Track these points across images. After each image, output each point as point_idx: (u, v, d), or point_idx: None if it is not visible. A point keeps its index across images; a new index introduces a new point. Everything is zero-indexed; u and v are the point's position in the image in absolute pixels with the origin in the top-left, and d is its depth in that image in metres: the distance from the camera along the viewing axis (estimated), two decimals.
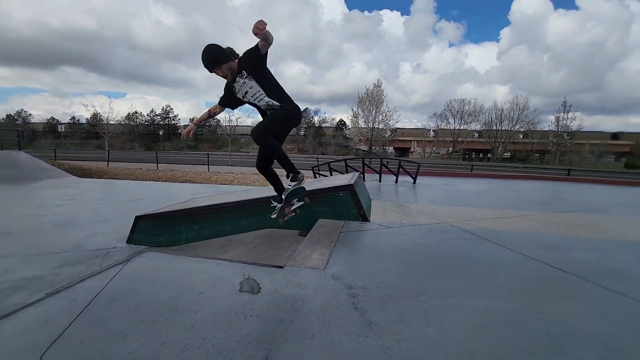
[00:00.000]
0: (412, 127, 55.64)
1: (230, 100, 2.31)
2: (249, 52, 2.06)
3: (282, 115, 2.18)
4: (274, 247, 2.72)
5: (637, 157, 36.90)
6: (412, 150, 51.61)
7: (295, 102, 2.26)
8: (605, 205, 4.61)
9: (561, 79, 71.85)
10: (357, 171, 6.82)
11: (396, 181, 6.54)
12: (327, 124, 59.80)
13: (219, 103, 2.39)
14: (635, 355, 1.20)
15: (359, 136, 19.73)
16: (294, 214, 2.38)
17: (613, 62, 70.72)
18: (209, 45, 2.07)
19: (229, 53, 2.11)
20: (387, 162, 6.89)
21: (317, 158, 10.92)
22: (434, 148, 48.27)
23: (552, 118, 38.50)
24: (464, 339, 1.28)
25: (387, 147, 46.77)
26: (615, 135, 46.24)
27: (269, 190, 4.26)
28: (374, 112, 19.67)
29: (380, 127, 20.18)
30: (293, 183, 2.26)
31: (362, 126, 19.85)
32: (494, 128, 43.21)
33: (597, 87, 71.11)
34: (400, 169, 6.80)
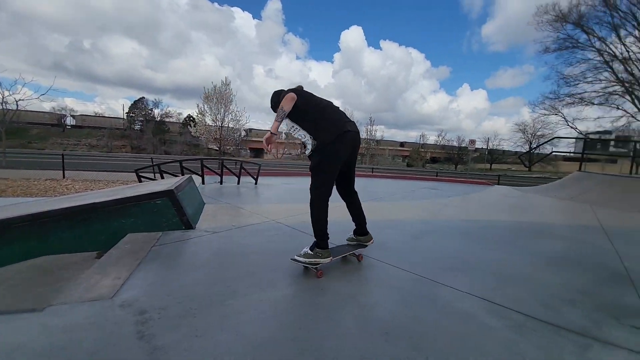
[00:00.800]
0: (267, 128, 57.99)
1: None
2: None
3: (317, 165, 1.98)
4: (47, 281, 2.02)
5: (412, 159, 54.35)
6: (265, 151, 53.49)
7: (327, 124, 1.99)
8: (385, 195, 6.38)
9: (373, 100, 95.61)
10: (197, 174, 6.28)
11: (238, 182, 6.48)
12: (172, 119, 51.65)
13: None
14: (379, 309, 1.65)
15: (207, 135, 18.07)
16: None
17: (401, 92, 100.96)
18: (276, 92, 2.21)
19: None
20: (242, 163, 6.70)
21: (152, 158, 9.02)
22: (286, 149, 52.15)
23: (364, 129, 50.77)
24: (255, 333, 1.36)
25: (241, 148, 46.18)
26: (402, 144, 66.33)
27: (56, 202, 3.18)
28: (222, 110, 18.53)
29: (230, 126, 19.23)
30: (305, 258, 1.99)
31: (210, 124, 18.32)
32: None
33: (392, 109, 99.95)
34: (243, 170, 6.81)
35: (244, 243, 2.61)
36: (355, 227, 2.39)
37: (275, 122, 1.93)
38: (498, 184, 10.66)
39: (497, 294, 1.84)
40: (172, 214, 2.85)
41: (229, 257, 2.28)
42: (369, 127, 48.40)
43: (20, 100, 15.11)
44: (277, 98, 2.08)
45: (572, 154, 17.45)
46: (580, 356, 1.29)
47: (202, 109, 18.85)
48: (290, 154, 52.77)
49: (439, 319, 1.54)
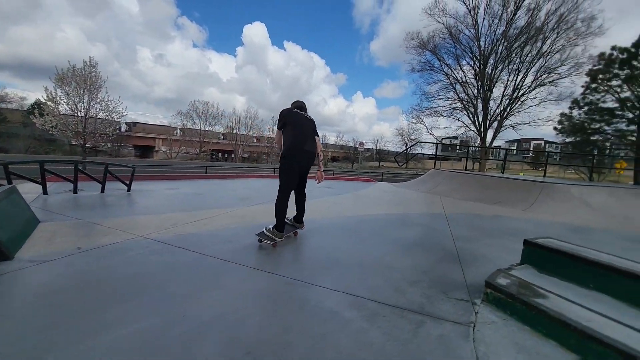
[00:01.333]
0: (158, 123, 50.66)
1: None
2: None
3: (280, 168, 2.85)
4: None
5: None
6: (157, 149, 46.47)
7: (290, 150, 2.84)
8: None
9: (278, 99, 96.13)
10: (35, 181, 4.77)
11: (102, 190, 5.25)
12: (11, 105, 38.91)
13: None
14: (246, 326, 1.55)
15: (62, 128, 14.25)
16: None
17: (305, 93, 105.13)
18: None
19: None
20: (106, 165, 5.32)
21: None
22: (182, 148, 46.57)
23: (267, 127, 50.69)
24: None
25: (122, 145, 38.30)
26: None
27: None
28: (87, 98, 14.69)
29: (100, 117, 15.26)
30: (267, 232, 2.80)
31: (68, 114, 14.48)
32: (235, 132, 49.78)
33: None
34: (110, 175, 5.58)
35: (87, 271, 2.08)
36: (295, 215, 3.24)
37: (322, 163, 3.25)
38: (381, 181, 12.33)
39: (360, 286, 2.03)
40: None
41: (58, 294, 1.76)
42: (273, 126, 48.37)
43: None
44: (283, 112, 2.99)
45: (432, 155, 21.94)
46: (415, 334, 1.53)
47: (54, 94, 14.46)
48: (188, 152, 47.51)
49: (305, 323, 1.57)
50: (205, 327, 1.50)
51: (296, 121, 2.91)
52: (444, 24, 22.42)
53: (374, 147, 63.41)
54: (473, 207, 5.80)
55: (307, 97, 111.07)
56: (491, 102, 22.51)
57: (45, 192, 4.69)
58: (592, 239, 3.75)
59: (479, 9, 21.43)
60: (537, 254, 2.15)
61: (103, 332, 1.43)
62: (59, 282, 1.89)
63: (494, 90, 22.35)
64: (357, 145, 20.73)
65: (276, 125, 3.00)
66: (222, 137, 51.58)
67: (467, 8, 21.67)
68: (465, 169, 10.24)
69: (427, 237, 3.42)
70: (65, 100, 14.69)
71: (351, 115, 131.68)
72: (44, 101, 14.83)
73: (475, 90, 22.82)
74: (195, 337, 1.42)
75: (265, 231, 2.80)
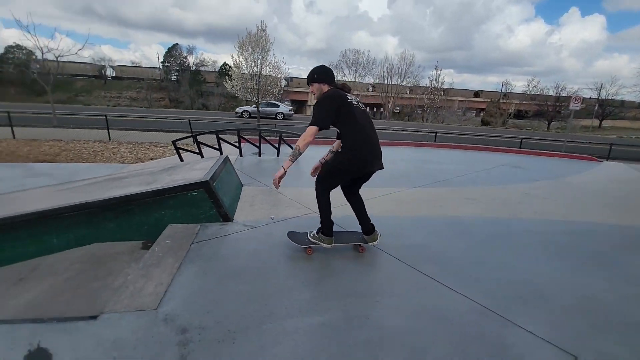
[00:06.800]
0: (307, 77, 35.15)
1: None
2: None
3: (335, 165, 2.03)
4: (100, 274, 1.91)
5: (490, 114, 37.16)
6: (309, 103, 38.11)
7: (355, 148, 1.93)
8: (449, 176, 4.60)
9: (439, 35, 69.04)
10: (234, 145, 5.25)
11: (277, 155, 5.44)
12: (207, 68, 40.25)
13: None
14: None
15: (243, 91, 15.32)
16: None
17: (478, 23, 73.77)
18: (318, 66, 2.13)
19: (329, 79, 2.05)
20: (281, 134, 5.60)
21: (189, 120, 9.28)
22: None
23: (432, 73, 34.99)
24: None
25: (282, 100, 30.38)
26: (477, 93, 46.77)
27: (100, 187, 2.80)
28: (259, 61, 15.27)
29: (268, 74, 15.72)
30: (313, 237, 2.13)
31: (245, 72, 15.18)
32: (386, 82, 39.22)
33: (465, 46, 69.84)
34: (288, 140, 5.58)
35: (281, 243, 2.15)
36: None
37: (289, 161, 1.94)
38: (608, 159, 7.97)
39: (589, 348, 1.35)
40: (209, 206, 2.48)
41: (265, 263, 1.93)
42: (434, 73, 33.38)
43: (60, 56, 14.10)
44: (316, 74, 2.04)
45: None
46: None
47: (238, 61, 15.62)
48: None
49: None
50: (389, 339, 1.28)
51: (354, 120, 2.19)
52: None
53: (594, 96, 36.62)
54: None
55: (482, 28, 77.60)
56: None
57: (240, 154, 5.23)
58: None
59: None
60: None
61: (301, 314, 1.43)
62: (265, 251, 2.03)
63: None
64: (572, 101, 11.72)
65: None
66: (371, 88, 40.99)
67: None
68: None
69: None
70: (244, 65, 15.46)
71: (554, 48, 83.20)
72: (230, 67, 17.63)
73: None
74: (380, 345, 1.24)
75: (307, 239, 2.22)
